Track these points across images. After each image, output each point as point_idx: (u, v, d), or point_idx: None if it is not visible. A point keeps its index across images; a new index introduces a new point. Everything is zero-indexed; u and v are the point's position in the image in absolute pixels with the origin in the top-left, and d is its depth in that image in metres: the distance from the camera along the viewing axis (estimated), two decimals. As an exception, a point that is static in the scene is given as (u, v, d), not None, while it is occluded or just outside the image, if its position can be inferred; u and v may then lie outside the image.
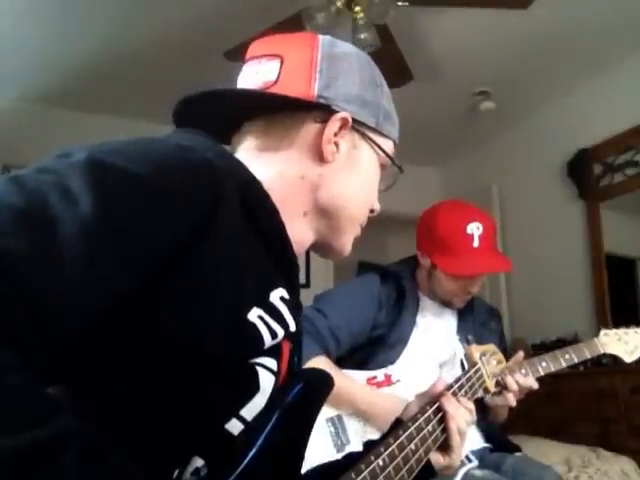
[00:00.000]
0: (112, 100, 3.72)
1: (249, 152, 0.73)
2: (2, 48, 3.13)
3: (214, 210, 0.53)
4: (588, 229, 3.47)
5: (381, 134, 0.76)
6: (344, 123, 0.72)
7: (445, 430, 0.86)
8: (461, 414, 0.88)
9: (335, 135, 0.71)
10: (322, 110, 0.71)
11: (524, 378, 1.42)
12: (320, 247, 0.79)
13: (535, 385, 1.44)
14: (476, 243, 1.58)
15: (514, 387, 1.39)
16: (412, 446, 0.76)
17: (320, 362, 1.44)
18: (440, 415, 0.87)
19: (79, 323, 0.43)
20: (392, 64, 2.59)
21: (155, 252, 0.48)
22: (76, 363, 0.46)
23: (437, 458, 0.85)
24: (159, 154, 0.54)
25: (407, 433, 0.77)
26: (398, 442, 0.74)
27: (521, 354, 1.49)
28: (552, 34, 3.04)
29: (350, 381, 1.51)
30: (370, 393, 1.49)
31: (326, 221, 0.74)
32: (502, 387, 1.41)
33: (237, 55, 2.70)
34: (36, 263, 0.40)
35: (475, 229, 1.59)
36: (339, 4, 2.40)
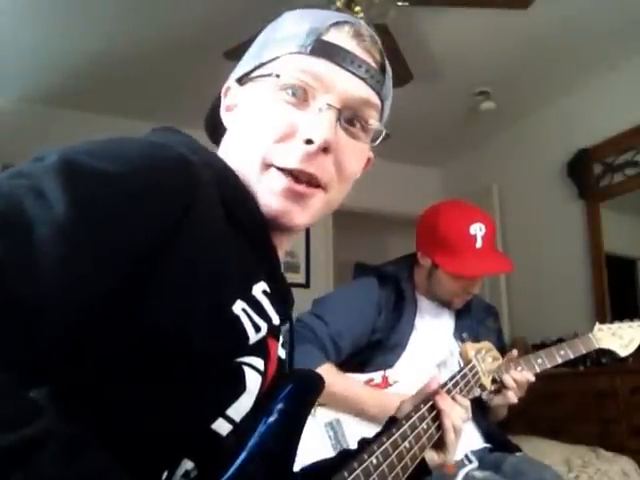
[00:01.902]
0: (113, 100, 3.72)
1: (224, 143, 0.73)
2: (3, 48, 3.13)
3: (190, 205, 0.53)
4: (588, 229, 3.46)
5: (263, 65, 0.68)
6: (227, 89, 0.72)
7: (440, 428, 0.86)
8: (456, 412, 0.88)
9: (228, 107, 0.71)
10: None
11: (520, 373, 1.43)
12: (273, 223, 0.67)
13: (532, 378, 1.45)
14: (479, 244, 1.58)
15: (512, 384, 1.40)
16: (406, 444, 0.76)
17: (326, 371, 1.44)
18: (434, 413, 0.87)
19: (59, 325, 0.43)
20: (392, 64, 2.59)
21: (133, 250, 0.48)
22: (59, 364, 0.46)
23: (431, 456, 0.85)
24: (132, 152, 0.53)
25: (401, 431, 0.77)
26: (391, 440, 0.74)
27: (515, 352, 1.50)
28: (552, 34, 3.04)
29: (358, 385, 1.50)
30: (379, 396, 1.48)
31: (247, 186, 0.64)
32: (501, 386, 1.42)
33: (237, 55, 2.69)
34: (14, 266, 0.40)
35: (478, 230, 1.59)
36: (339, 4, 2.40)
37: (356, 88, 0.65)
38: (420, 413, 0.84)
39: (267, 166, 0.63)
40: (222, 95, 0.73)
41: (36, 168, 0.48)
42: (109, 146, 0.53)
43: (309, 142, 0.61)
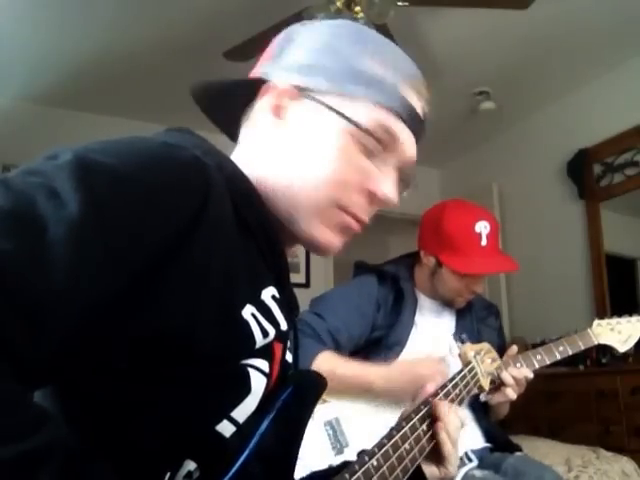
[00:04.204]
0: (112, 100, 3.72)
1: (238, 145, 0.72)
2: (2, 48, 3.13)
3: (204, 207, 0.52)
4: (588, 229, 3.46)
5: (340, 95, 0.66)
6: (273, 87, 0.68)
7: (434, 438, 0.85)
8: (451, 422, 0.87)
9: (276, 107, 0.67)
10: (262, 86, 0.69)
11: (518, 370, 1.43)
12: (296, 238, 0.69)
13: (530, 375, 1.45)
14: (484, 242, 1.58)
15: (510, 381, 1.41)
16: (406, 446, 0.76)
17: (327, 357, 1.43)
18: (432, 417, 0.86)
19: (67, 324, 0.42)
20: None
21: (145, 251, 0.48)
22: (64, 364, 0.45)
23: (432, 470, 0.84)
24: (146, 152, 0.53)
25: (401, 433, 0.77)
26: (392, 442, 0.74)
27: (514, 348, 1.50)
28: (552, 34, 3.04)
29: (361, 364, 1.48)
30: (385, 370, 1.45)
31: (283, 205, 0.66)
32: (499, 383, 1.42)
33: (237, 55, 2.69)
34: (24, 264, 0.40)
35: (483, 228, 1.59)
36: (339, 4, 2.40)
37: (415, 152, 0.71)
38: (420, 415, 0.84)
39: (331, 204, 0.65)
40: (264, 89, 0.68)
41: (49, 166, 0.47)
42: (123, 146, 0.53)
43: (373, 194, 0.66)
